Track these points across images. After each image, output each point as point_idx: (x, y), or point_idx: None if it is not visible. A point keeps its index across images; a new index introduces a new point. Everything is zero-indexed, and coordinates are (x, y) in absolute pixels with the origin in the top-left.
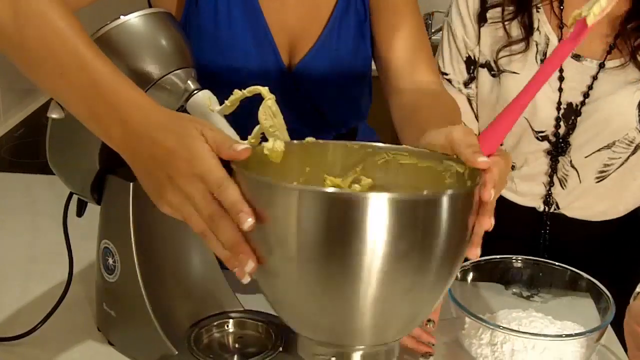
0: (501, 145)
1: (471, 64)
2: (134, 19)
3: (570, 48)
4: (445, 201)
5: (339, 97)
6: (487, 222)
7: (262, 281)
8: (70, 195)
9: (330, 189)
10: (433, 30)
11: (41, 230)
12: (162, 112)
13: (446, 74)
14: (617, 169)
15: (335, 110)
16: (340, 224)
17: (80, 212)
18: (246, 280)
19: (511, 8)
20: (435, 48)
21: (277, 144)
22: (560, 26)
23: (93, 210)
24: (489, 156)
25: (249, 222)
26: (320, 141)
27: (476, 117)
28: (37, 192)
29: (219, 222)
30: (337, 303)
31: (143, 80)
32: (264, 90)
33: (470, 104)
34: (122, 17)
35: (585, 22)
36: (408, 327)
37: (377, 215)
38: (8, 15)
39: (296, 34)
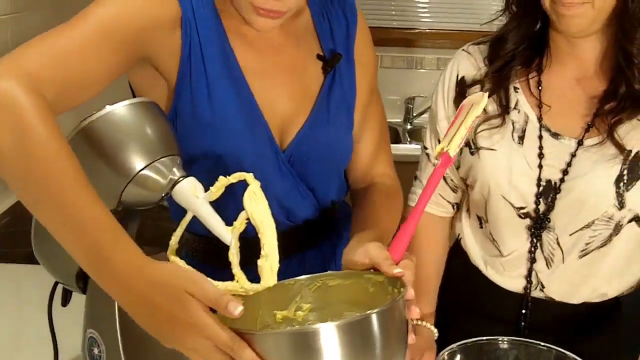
0: (483, 223)
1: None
2: (120, 109)
3: (442, 173)
4: (375, 317)
5: (328, 172)
6: (414, 312)
7: None
8: (56, 284)
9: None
10: (415, 114)
11: (26, 319)
12: (158, 271)
13: (426, 148)
14: (598, 247)
15: (324, 186)
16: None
17: (65, 302)
18: None
19: (489, 85)
20: (417, 131)
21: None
22: (539, 105)
23: (78, 299)
24: (399, 262)
25: None
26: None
27: (453, 189)
28: (23, 281)
29: None
30: None
31: (129, 169)
32: (249, 177)
33: (445, 180)
34: (107, 106)
35: (448, 155)
36: None
37: (331, 339)
38: (9, 144)
39: (287, 114)
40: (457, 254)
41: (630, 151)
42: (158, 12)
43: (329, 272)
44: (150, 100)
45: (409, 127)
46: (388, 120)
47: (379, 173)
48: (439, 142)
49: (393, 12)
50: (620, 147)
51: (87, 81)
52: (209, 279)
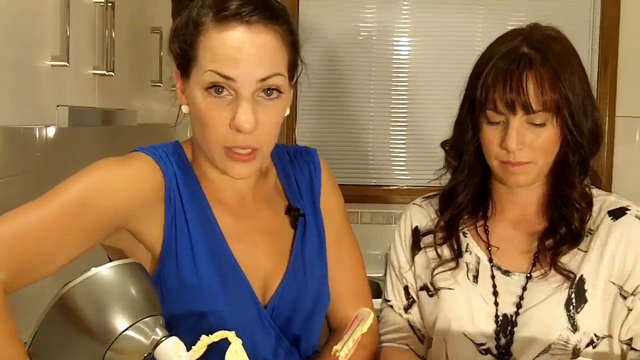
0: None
1: (408, 292)
2: (105, 271)
3: None
4: None
5: (310, 322)
6: None
7: None
8: None
9: None
10: None
11: None
12: None
13: (389, 301)
14: None
15: (307, 336)
16: None
17: None
18: None
19: (441, 234)
20: None
21: None
22: (488, 248)
23: None
24: None
25: None
26: None
27: (420, 339)
28: None
29: None
30: None
31: (112, 330)
32: (231, 335)
33: (413, 329)
34: (93, 268)
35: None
36: None
37: None
38: None
39: (267, 272)
40: None
41: (575, 276)
42: (144, 188)
43: None
44: (135, 261)
45: None
46: (369, 275)
47: (348, 315)
48: (405, 289)
49: (372, 171)
50: (567, 276)
51: (50, 257)
52: None
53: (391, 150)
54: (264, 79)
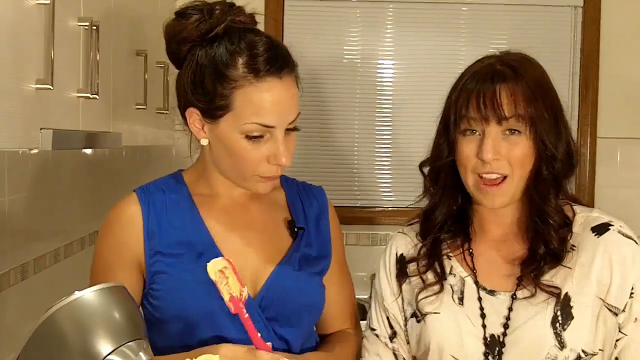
0: None
1: (390, 322)
2: (89, 294)
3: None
4: None
5: (300, 321)
6: None
7: None
8: None
9: None
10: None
11: None
12: None
13: (374, 329)
14: None
15: (297, 335)
16: None
17: None
18: None
19: (424, 261)
20: None
21: None
22: (474, 270)
23: None
24: None
25: None
26: None
27: None
28: None
29: None
30: None
31: (96, 353)
32: (215, 358)
33: (397, 358)
34: (76, 292)
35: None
36: None
37: None
38: None
39: (257, 264)
40: None
41: (560, 292)
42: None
43: None
44: (119, 284)
45: None
46: (356, 296)
47: (338, 328)
48: (388, 320)
49: (357, 192)
50: (551, 292)
51: None
52: None
53: (376, 171)
54: (293, 121)
